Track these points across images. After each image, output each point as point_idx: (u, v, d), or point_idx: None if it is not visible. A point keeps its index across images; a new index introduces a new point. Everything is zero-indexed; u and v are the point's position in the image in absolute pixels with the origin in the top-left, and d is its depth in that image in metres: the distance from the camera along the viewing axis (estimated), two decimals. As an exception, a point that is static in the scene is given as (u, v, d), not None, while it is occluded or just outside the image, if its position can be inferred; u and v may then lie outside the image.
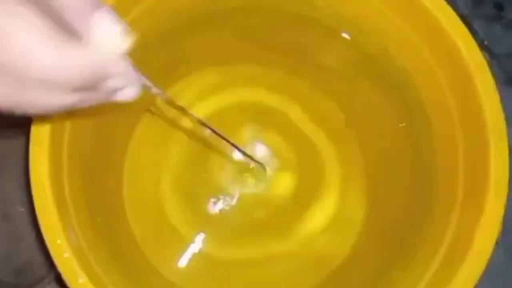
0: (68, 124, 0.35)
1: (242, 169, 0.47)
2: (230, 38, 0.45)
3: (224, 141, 0.34)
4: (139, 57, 0.40)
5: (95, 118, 0.40)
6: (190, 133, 0.47)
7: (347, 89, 0.46)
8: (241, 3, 0.40)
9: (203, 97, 0.48)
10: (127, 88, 0.23)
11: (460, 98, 0.35)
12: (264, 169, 0.45)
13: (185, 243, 0.44)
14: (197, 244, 0.45)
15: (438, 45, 0.35)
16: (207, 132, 0.34)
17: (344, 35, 0.41)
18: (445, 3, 0.34)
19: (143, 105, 0.47)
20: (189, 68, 0.47)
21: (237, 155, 0.46)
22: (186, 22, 0.41)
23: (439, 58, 0.35)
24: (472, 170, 0.34)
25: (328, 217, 0.45)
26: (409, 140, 0.41)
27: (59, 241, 0.30)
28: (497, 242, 0.31)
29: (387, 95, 0.42)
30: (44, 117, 0.32)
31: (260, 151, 0.47)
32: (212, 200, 0.46)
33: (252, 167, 0.46)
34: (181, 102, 0.48)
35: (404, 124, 0.41)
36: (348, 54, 0.42)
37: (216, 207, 0.46)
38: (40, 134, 0.32)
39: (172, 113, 0.48)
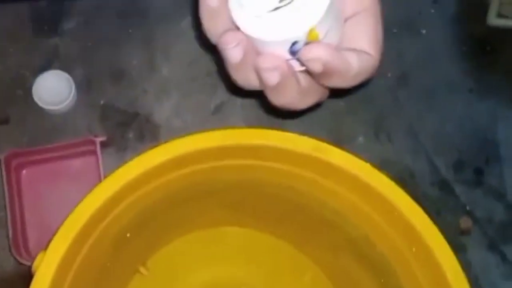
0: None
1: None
2: (216, 207, 0.47)
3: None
4: (133, 223, 0.42)
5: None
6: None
7: (331, 260, 0.47)
8: (226, 184, 0.42)
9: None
10: None
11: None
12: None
13: None
14: None
15: (413, 244, 0.37)
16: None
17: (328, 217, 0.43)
18: (417, 207, 0.36)
19: (133, 266, 0.49)
20: (180, 232, 0.49)
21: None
22: (174, 199, 0.43)
23: (416, 255, 0.37)
24: None
25: None
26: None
27: None
28: None
29: (369, 273, 0.43)
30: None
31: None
32: None
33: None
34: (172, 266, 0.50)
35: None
36: (332, 234, 0.44)
37: None
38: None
39: (162, 276, 0.50)
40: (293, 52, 0.29)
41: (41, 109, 0.53)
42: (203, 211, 0.47)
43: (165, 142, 0.37)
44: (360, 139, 0.56)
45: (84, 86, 0.54)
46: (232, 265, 0.51)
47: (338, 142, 0.55)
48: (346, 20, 0.31)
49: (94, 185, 0.50)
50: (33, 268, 0.36)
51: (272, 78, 0.29)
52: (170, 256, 0.50)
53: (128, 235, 0.41)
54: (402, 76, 0.57)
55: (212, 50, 0.30)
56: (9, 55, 0.54)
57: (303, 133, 0.50)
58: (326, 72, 0.29)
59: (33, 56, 0.54)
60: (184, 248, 0.50)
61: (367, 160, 0.54)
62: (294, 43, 0.28)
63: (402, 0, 0.57)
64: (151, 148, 0.37)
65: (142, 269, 0.49)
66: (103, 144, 0.52)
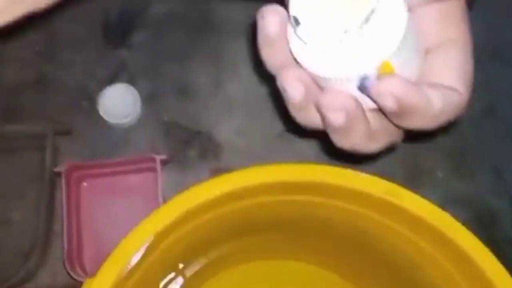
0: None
1: None
2: (277, 240, 0.44)
3: None
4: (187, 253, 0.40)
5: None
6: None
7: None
8: (289, 219, 0.39)
9: None
10: None
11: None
12: None
13: None
14: None
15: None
16: None
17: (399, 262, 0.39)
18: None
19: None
20: (236, 261, 0.47)
21: None
22: (232, 230, 0.40)
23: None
24: None
25: None
26: None
27: None
28: None
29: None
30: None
31: None
32: None
33: None
34: None
35: None
36: (401, 279, 0.40)
37: None
38: None
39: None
40: (362, 89, 0.24)
41: (105, 122, 0.52)
42: (262, 243, 0.44)
43: (229, 172, 0.35)
44: (439, 173, 0.51)
45: (149, 101, 0.53)
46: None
47: (415, 175, 0.51)
48: (428, 52, 0.27)
49: (152, 202, 0.50)
50: (80, 294, 0.35)
51: (337, 119, 0.25)
52: (224, 284, 0.48)
53: (181, 265, 0.39)
54: (489, 108, 0.52)
55: (272, 79, 0.27)
56: (77, 64, 0.54)
57: (376, 167, 0.47)
58: (402, 110, 0.24)
59: (100, 67, 0.54)
60: (239, 277, 0.48)
61: (445, 197, 0.50)
62: (363, 78, 0.24)
63: (493, 26, 0.52)
64: (213, 177, 0.35)
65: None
66: (164, 162, 0.50)
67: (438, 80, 0.26)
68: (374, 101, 0.25)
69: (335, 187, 0.33)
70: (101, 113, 0.52)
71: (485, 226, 0.50)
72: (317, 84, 0.26)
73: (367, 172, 0.34)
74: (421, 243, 0.35)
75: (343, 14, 0.23)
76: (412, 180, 0.51)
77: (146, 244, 0.33)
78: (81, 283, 0.47)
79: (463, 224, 0.34)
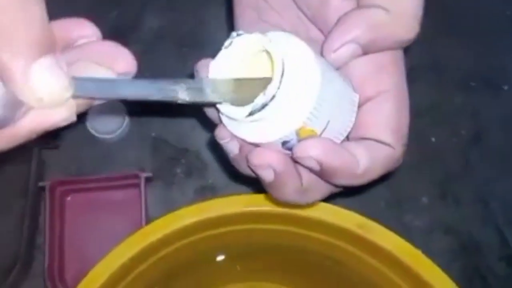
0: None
1: None
2: (251, 265, 0.44)
3: None
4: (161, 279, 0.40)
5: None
6: None
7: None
8: (264, 247, 0.39)
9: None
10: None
11: None
12: None
13: None
14: None
15: None
16: None
17: None
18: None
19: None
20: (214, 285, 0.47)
21: None
22: (207, 256, 0.40)
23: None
24: None
25: None
26: None
27: None
28: None
29: None
30: None
31: None
32: None
33: None
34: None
35: None
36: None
37: None
38: None
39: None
40: (288, 149, 0.25)
41: (92, 136, 0.52)
42: (236, 268, 0.44)
43: (213, 193, 0.35)
44: (424, 199, 0.51)
45: (137, 116, 0.53)
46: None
47: (400, 200, 0.51)
48: (362, 103, 0.26)
49: (136, 219, 0.49)
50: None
51: (266, 176, 0.25)
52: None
53: (155, 288, 0.39)
54: (476, 135, 0.51)
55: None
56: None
57: (361, 192, 0.47)
58: (325, 171, 0.24)
59: (90, 82, 0.54)
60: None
61: (431, 224, 0.50)
62: (285, 142, 0.24)
63: (485, 51, 0.52)
64: (194, 201, 0.35)
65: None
66: (149, 179, 0.50)
67: (370, 132, 0.26)
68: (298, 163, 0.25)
69: (308, 219, 0.33)
70: (89, 127, 0.52)
71: (469, 255, 0.50)
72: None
73: (343, 203, 0.34)
74: (390, 275, 0.34)
75: (249, 93, 0.24)
76: (397, 205, 0.51)
77: (115, 272, 0.33)
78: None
79: (443, 255, 0.34)
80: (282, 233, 0.36)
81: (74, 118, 0.22)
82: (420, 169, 0.51)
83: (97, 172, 0.52)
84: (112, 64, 0.23)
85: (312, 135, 0.24)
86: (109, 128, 0.52)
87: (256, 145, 0.25)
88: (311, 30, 0.29)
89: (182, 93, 0.24)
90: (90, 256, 0.50)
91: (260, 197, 0.35)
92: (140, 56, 0.58)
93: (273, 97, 0.23)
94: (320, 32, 0.28)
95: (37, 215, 0.50)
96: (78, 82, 0.21)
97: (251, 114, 0.23)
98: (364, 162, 0.25)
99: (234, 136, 0.26)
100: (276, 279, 0.46)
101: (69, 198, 0.51)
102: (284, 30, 0.27)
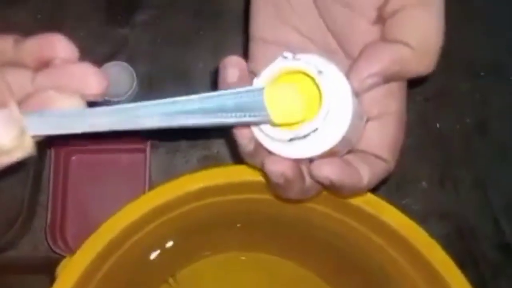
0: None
1: None
2: (255, 235, 0.45)
3: None
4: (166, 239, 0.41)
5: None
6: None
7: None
8: (269, 218, 0.40)
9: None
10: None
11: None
12: None
13: None
14: None
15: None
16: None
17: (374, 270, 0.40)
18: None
19: (162, 277, 0.47)
20: (215, 251, 0.47)
21: None
22: (213, 222, 0.41)
23: None
24: None
25: None
26: None
27: None
28: None
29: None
30: None
31: None
32: None
33: None
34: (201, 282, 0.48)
35: None
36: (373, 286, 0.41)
37: None
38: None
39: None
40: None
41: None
42: (242, 236, 0.45)
43: (215, 166, 0.35)
44: (424, 183, 0.52)
45: (146, 82, 0.53)
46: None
47: (399, 184, 0.51)
48: (369, 119, 0.29)
49: (139, 184, 0.50)
50: (57, 271, 0.35)
51: (276, 179, 0.28)
52: (201, 271, 0.48)
53: (159, 251, 0.40)
54: (481, 124, 0.52)
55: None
56: (78, 39, 0.53)
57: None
58: (335, 186, 0.28)
59: (101, 44, 0.54)
60: (218, 265, 0.48)
61: (428, 208, 0.51)
62: (308, 158, 0.28)
63: (495, 41, 0.52)
64: (201, 170, 0.35)
65: (170, 280, 0.47)
66: (154, 145, 0.50)
67: (371, 149, 0.29)
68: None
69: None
70: (97, 89, 0.52)
71: (464, 240, 0.51)
72: None
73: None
74: (394, 255, 0.35)
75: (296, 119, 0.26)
76: (397, 189, 0.51)
77: (124, 228, 0.33)
78: (61, 256, 0.48)
79: (438, 241, 0.34)
80: (288, 205, 0.37)
81: (32, 153, 0.23)
82: (422, 153, 0.52)
83: (103, 134, 0.52)
84: (82, 89, 0.24)
85: (331, 155, 0.27)
86: (117, 91, 0.52)
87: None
88: (327, 38, 0.30)
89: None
90: (92, 216, 0.51)
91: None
92: (152, 21, 0.58)
93: (316, 129, 0.26)
94: (335, 43, 0.30)
95: (41, 172, 0.50)
96: (36, 122, 0.21)
97: (291, 140, 0.26)
98: (367, 178, 0.28)
99: (254, 139, 0.28)
100: (275, 251, 0.46)
101: (74, 158, 0.51)
102: (302, 34, 0.30)
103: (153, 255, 0.42)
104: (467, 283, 0.33)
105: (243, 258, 0.48)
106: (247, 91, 0.25)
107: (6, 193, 0.50)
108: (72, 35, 0.54)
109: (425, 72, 0.28)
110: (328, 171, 0.27)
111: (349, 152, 0.29)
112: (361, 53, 0.28)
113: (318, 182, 0.29)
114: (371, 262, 0.38)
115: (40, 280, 0.50)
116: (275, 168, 0.27)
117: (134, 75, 0.52)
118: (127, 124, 0.24)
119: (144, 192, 0.48)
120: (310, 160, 0.28)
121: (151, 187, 0.48)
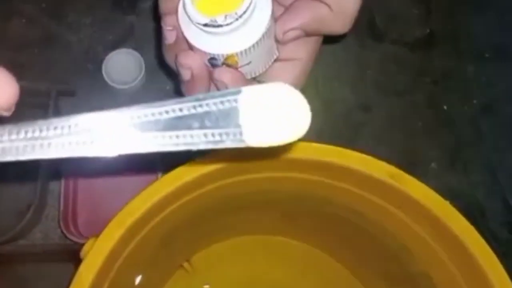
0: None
1: None
2: (271, 216, 0.45)
3: None
4: (185, 223, 0.40)
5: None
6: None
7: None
8: (285, 196, 0.40)
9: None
10: None
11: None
12: None
13: None
14: None
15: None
16: None
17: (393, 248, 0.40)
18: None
19: (178, 261, 0.47)
20: (230, 234, 0.47)
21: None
22: (229, 204, 0.41)
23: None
24: None
25: None
26: None
27: None
28: None
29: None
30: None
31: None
32: None
33: None
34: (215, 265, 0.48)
35: None
36: (391, 265, 0.41)
37: None
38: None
39: (204, 273, 0.48)
40: (211, 65, 0.30)
41: (108, 86, 0.52)
42: (256, 218, 0.45)
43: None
44: (433, 165, 0.52)
45: (154, 69, 0.53)
46: (275, 273, 0.49)
47: (409, 165, 0.51)
48: (277, 59, 0.32)
49: (151, 175, 0.50)
50: (82, 253, 0.35)
51: (184, 74, 0.31)
52: (215, 255, 0.48)
53: (178, 233, 0.39)
54: (488, 105, 0.53)
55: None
56: (85, 27, 0.53)
57: (376, 153, 0.48)
58: None
59: (108, 32, 0.53)
60: (232, 249, 0.48)
61: (438, 189, 0.51)
62: (212, 58, 0.30)
63: (502, 22, 0.53)
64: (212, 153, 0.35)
65: (186, 265, 0.47)
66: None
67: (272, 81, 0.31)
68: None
69: (338, 168, 0.34)
70: (105, 76, 0.51)
71: (474, 220, 0.51)
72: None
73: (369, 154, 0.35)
74: (415, 227, 0.35)
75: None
76: (406, 169, 0.52)
77: (146, 210, 0.33)
78: (73, 242, 0.48)
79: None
80: (304, 182, 0.37)
81: None
82: (431, 135, 0.52)
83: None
84: None
85: (233, 64, 0.30)
86: (125, 78, 0.52)
87: (190, 48, 0.30)
88: None
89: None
90: (103, 205, 0.51)
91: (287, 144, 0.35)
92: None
93: (228, 24, 0.27)
94: None
95: (53, 160, 0.50)
96: None
97: (205, 25, 0.28)
98: None
99: (176, 29, 0.30)
100: (290, 234, 0.47)
101: (84, 146, 0.51)
102: None
103: (170, 239, 0.42)
104: (490, 250, 0.33)
105: (257, 241, 0.48)
106: None
107: (17, 181, 0.50)
108: (78, 23, 0.54)
109: (342, 31, 0.31)
110: (228, 78, 0.30)
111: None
112: (288, 7, 0.31)
113: (216, 86, 0.31)
114: (385, 236, 0.39)
115: (53, 267, 0.49)
116: (185, 61, 0.30)
117: (143, 62, 0.52)
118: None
119: (157, 178, 0.48)
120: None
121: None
